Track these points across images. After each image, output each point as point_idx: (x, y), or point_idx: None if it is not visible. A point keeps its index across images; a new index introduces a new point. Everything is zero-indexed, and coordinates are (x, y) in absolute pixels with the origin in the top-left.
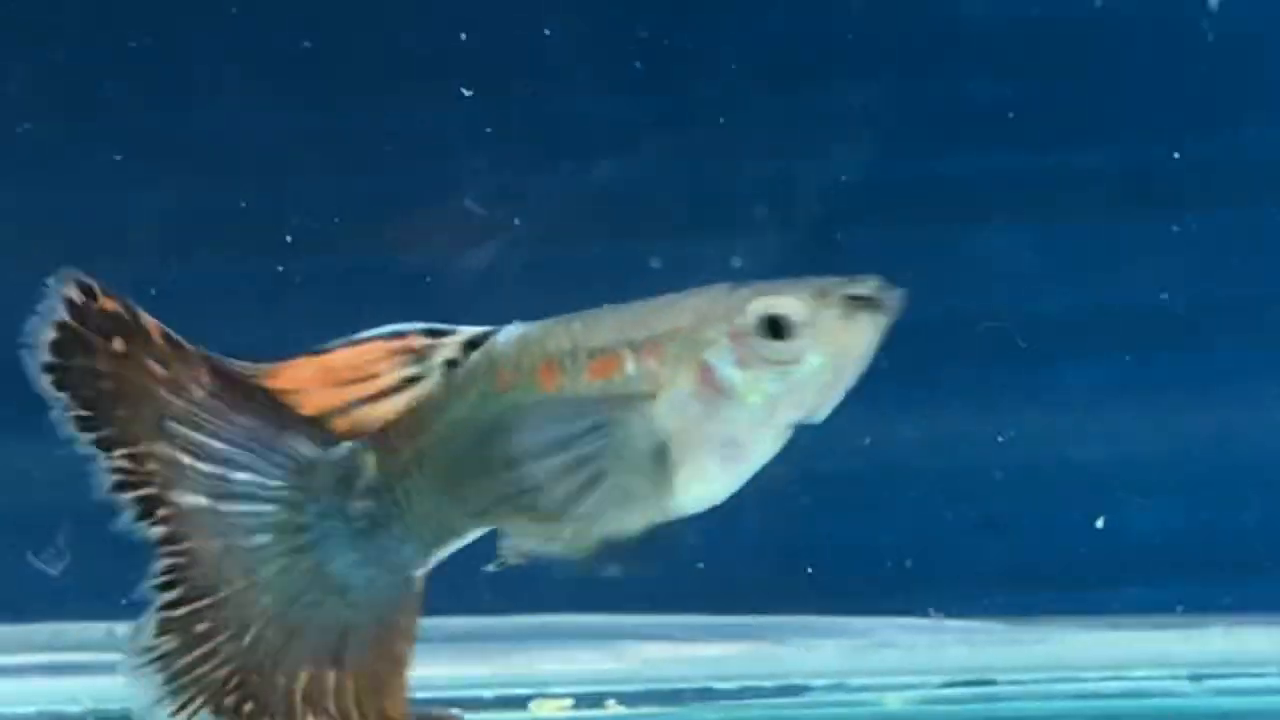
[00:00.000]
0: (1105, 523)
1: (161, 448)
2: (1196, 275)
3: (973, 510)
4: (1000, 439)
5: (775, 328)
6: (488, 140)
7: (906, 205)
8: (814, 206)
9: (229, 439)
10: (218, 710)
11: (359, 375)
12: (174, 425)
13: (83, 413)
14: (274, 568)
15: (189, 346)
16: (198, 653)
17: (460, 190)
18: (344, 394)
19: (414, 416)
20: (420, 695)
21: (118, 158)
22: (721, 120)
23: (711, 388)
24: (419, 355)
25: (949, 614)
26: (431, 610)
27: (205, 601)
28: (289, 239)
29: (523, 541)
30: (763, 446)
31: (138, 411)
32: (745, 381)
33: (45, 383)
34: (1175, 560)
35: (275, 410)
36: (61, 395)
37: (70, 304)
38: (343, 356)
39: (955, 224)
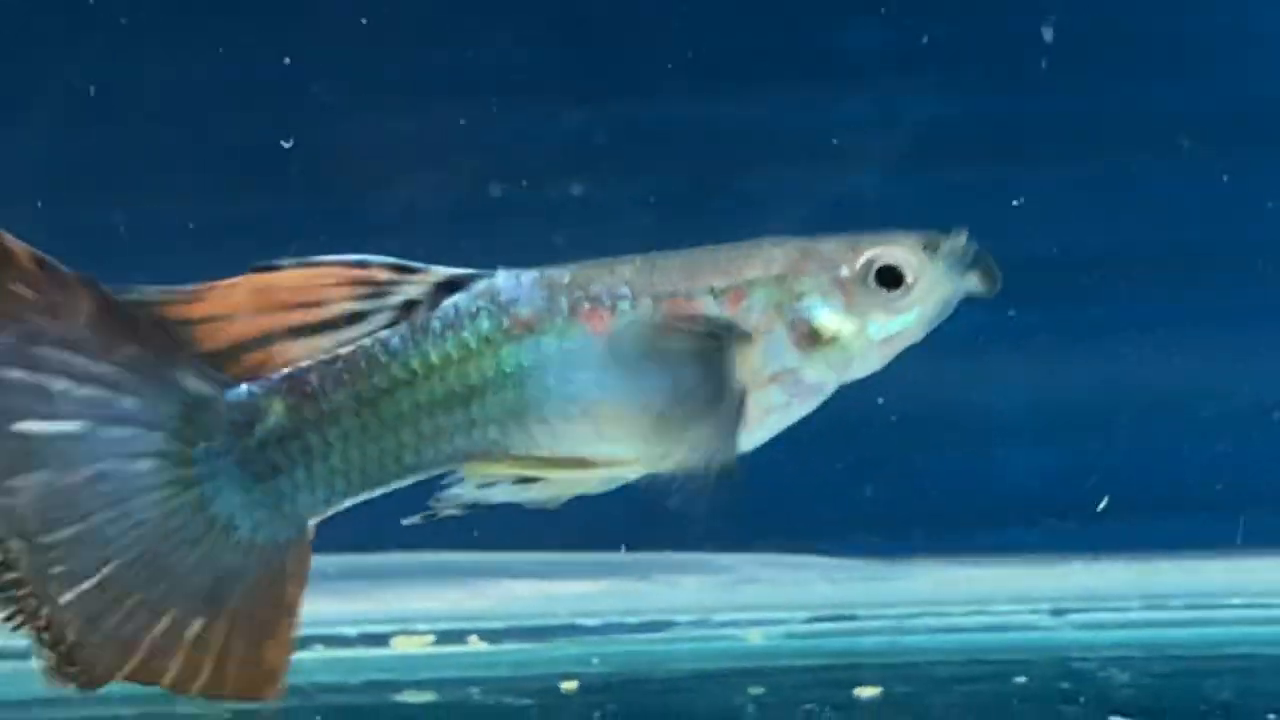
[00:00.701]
0: (974, 466)
1: (17, 375)
2: (1072, 227)
3: (847, 452)
4: (873, 381)
5: (888, 277)
6: None
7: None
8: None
9: (113, 365)
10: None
11: (301, 300)
12: (46, 350)
13: None
14: (149, 499)
15: (70, 273)
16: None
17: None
18: (276, 321)
19: (354, 360)
20: None
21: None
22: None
23: (809, 335)
24: (378, 289)
25: (817, 553)
26: None
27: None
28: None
29: (489, 491)
30: (824, 397)
31: None
32: (850, 330)
33: None
34: (1040, 502)
35: (169, 345)
36: None
37: None
38: (290, 277)
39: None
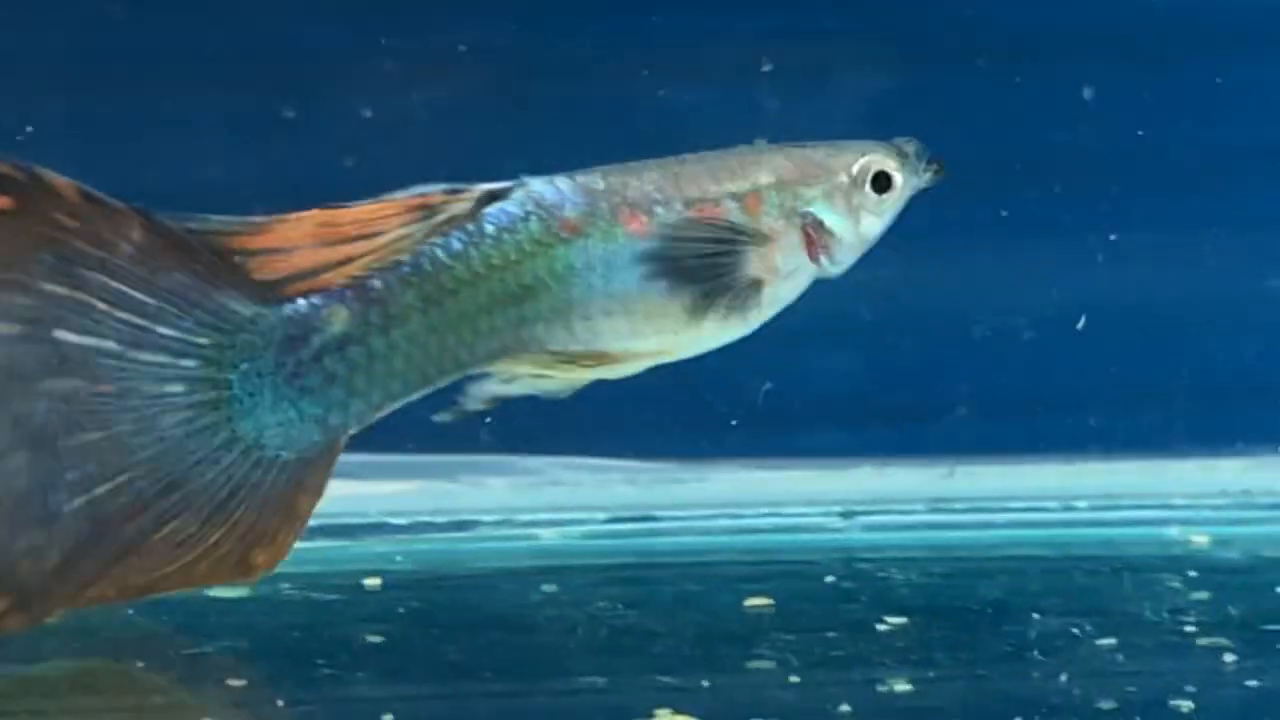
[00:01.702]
0: (773, 370)
1: (57, 289)
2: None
3: None
4: None
5: (882, 182)
6: None
7: None
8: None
9: (154, 292)
10: None
11: (362, 231)
12: (86, 272)
13: None
14: (176, 418)
15: (117, 204)
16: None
17: None
18: (334, 253)
19: (419, 263)
20: None
21: None
22: None
23: (817, 237)
24: (429, 211)
25: (618, 456)
26: None
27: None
28: None
29: (512, 385)
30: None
31: (21, 260)
32: (849, 231)
33: None
34: (833, 407)
35: (216, 269)
36: None
37: None
38: (356, 211)
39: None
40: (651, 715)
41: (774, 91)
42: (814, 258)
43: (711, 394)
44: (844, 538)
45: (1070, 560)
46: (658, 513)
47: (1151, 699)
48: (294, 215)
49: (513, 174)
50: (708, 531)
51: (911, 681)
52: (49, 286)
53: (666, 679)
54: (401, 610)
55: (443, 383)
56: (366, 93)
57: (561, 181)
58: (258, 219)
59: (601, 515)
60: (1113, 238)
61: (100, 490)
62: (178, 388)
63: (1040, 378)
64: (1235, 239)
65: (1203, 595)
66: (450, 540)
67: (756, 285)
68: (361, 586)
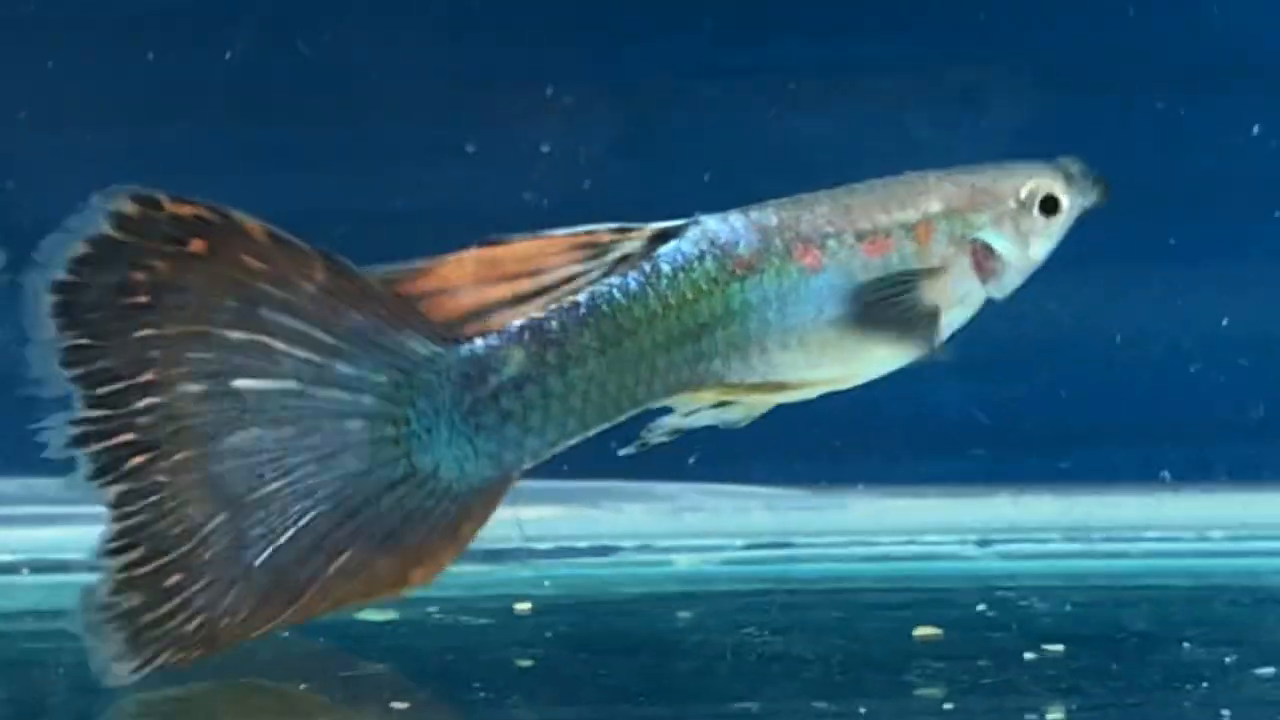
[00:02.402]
0: (907, 399)
1: (238, 335)
2: None
3: None
4: None
5: (1049, 206)
6: None
7: None
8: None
9: (334, 332)
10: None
11: (526, 269)
12: (268, 313)
13: (82, 341)
14: (355, 454)
15: (303, 245)
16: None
17: None
18: (499, 291)
19: (595, 304)
20: None
21: None
22: None
23: (987, 263)
24: (599, 249)
25: (754, 482)
26: None
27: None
28: None
29: (692, 417)
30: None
31: (194, 308)
32: (1018, 254)
33: (48, 304)
34: (968, 435)
35: (395, 309)
36: (60, 320)
37: (119, 217)
38: (518, 249)
39: None
40: None
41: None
42: (984, 282)
43: (849, 420)
44: (980, 565)
45: (1210, 590)
46: (795, 539)
47: None
48: (454, 256)
49: (640, 209)
50: (845, 559)
51: (1065, 710)
52: (231, 334)
53: (821, 704)
54: (550, 635)
55: (620, 419)
56: (491, 127)
57: (735, 218)
58: (419, 263)
59: (739, 541)
60: (1263, 268)
61: (284, 539)
62: (357, 423)
63: (1180, 406)
64: None
65: None
66: (592, 565)
67: (933, 314)
68: (510, 610)
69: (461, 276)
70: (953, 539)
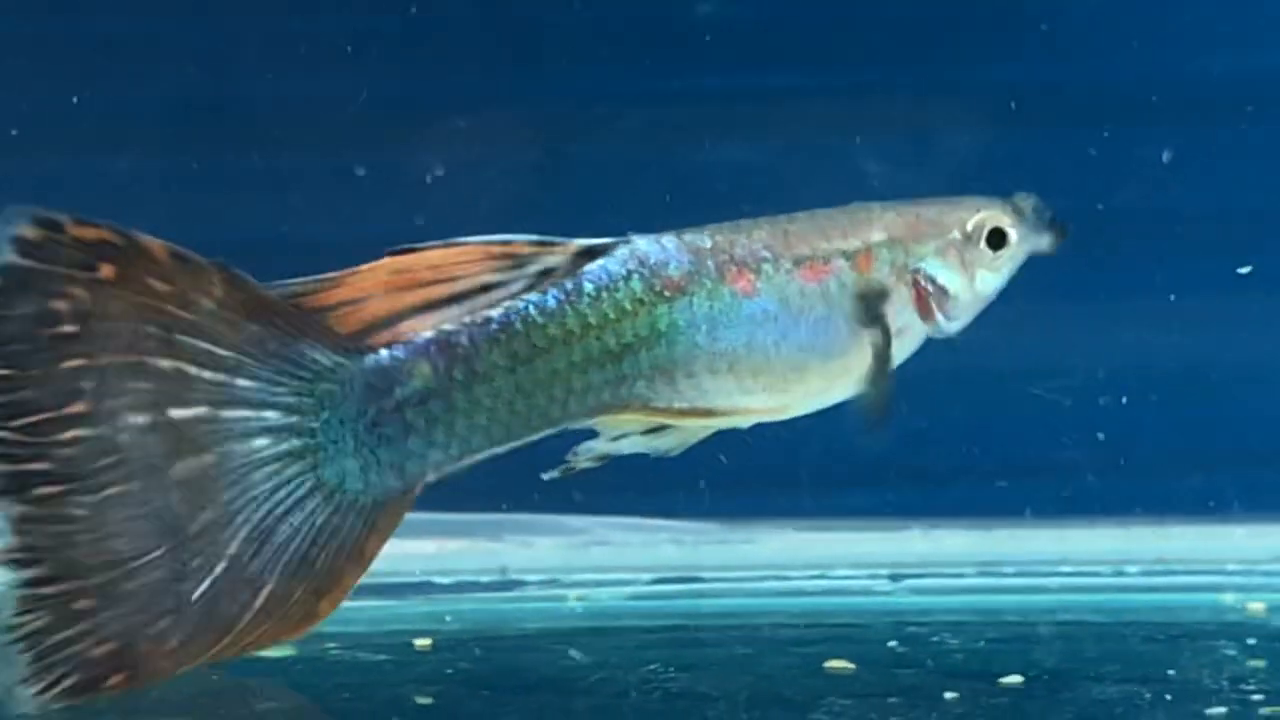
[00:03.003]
0: (818, 432)
1: (165, 364)
2: None
3: None
4: None
5: (996, 239)
6: None
7: None
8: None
9: (233, 348)
10: None
11: (439, 276)
12: (181, 337)
13: (3, 373)
14: (262, 473)
15: (200, 260)
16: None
17: None
18: (410, 298)
19: (508, 320)
20: None
21: None
22: None
23: (929, 294)
24: (517, 260)
25: (665, 516)
26: None
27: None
28: None
29: (620, 442)
30: (913, 349)
31: (119, 337)
32: (963, 287)
33: None
34: (880, 468)
35: (295, 321)
36: None
37: (23, 243)
38: (430, 256)
39: None
40: None
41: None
42: (926, 315)
43: (759, 454)
44: (892, 600)
45: (1125, 626)
46: (704, 574)
47: None
48: (366, 266)
49: (548, 231)
50: (755, 593)
51: None
52: (159, 362)
53: None
54: (450, 671)
55: (533, 438)
56: (415, 150)
57: (668, 239)
58: (329, 275)
59: (647, 576)
60: (1169, 299)
61: (218, 569)
62: (263, 440)
63: (1093, 441)
64: None
65: (1261, 664)
66: (496, 600)
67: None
68: (409, 646)
69: (373, 285)
70: (864, 574)
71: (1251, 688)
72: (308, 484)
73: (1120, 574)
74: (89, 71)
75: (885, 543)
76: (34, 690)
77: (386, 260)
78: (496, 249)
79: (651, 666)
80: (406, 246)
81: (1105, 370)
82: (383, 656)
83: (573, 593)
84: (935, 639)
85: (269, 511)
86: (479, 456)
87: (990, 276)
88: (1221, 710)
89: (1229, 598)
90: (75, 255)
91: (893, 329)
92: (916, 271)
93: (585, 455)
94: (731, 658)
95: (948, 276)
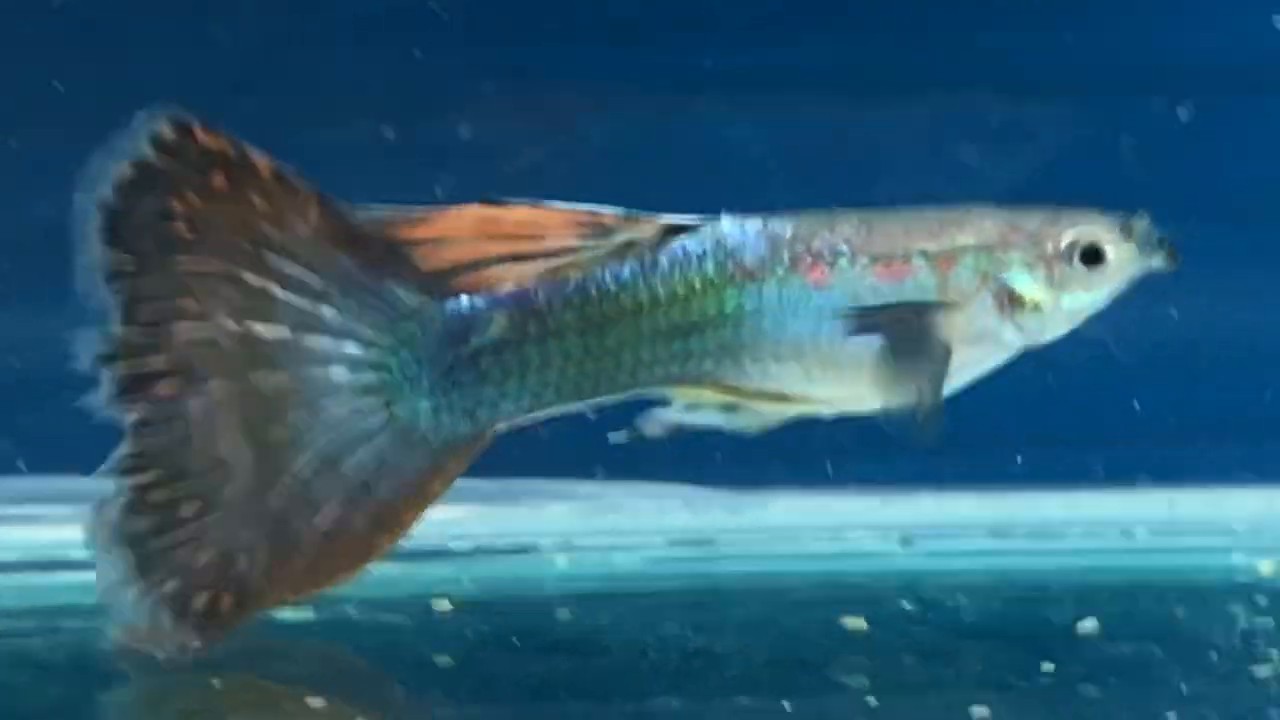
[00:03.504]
0: None
1: (251, 278)
2: None
3: None
4: None
5: (1090, 256)
6: None
7: None
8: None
9: (323, 275)
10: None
11: (526, 232)
12: (271, 256)
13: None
14: (336, 400)
15: (300, 184)
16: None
17: None
18: (497, 247)
19: (584, 286)
20: None
21: None
22: None
23: (1011, 302)
24: (604, 230)
25: (679, 482)
26: None
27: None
28: None
29: (695, 414)
30: (1012, 355)
31: (221, 246)
32: (1048, 301)
33: (95, 225)
34: (891, 436)
35: (386, 257)
36: (107, 241)
37: (159, 141)
38: (519, 212)
39: None
40: None
41: None
42: (1006, 324)
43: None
44: (904, 564)
45: (1136, 587)
46: (717, 538)
47: None
48: (455, 208)
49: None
50: (768, 557)
51: (989, 704)
52: (248, 276)
53: (743, 700)
54: (469, 633)
55: (602, 400)
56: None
57: (750, 224)
58: (420, 209)
59: (661, 540)
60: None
61: (302, 485)
62: (339, 369)
63: (1101, 409)
64: None
65: (1269, 621)
66: (513, 564)
67: (945, 349)
68: (428, 609)
69: (460, 229)
70: (876, 536)
71: (1260, 645)
72: (380, 417)
73: (1128, 536)
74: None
75: (896, 507)
76: (135, 591)
77: (476, 207)
78: (583, 215)
79: (667, 628)
80: (496, 198)
81: (1117, 340)
82: (402, 619)
83: (562, 557)
84: (948, 600)
85: (338, 437)
86: (550, 411)
87: (1082, 294)
88: (1234, 666)
89: (1239, 558)
90: (196, 160)
91: (969, 333)
92: (1000, 279)
93: (655, 422)
94: (747, 619)
95: (1032, 289)
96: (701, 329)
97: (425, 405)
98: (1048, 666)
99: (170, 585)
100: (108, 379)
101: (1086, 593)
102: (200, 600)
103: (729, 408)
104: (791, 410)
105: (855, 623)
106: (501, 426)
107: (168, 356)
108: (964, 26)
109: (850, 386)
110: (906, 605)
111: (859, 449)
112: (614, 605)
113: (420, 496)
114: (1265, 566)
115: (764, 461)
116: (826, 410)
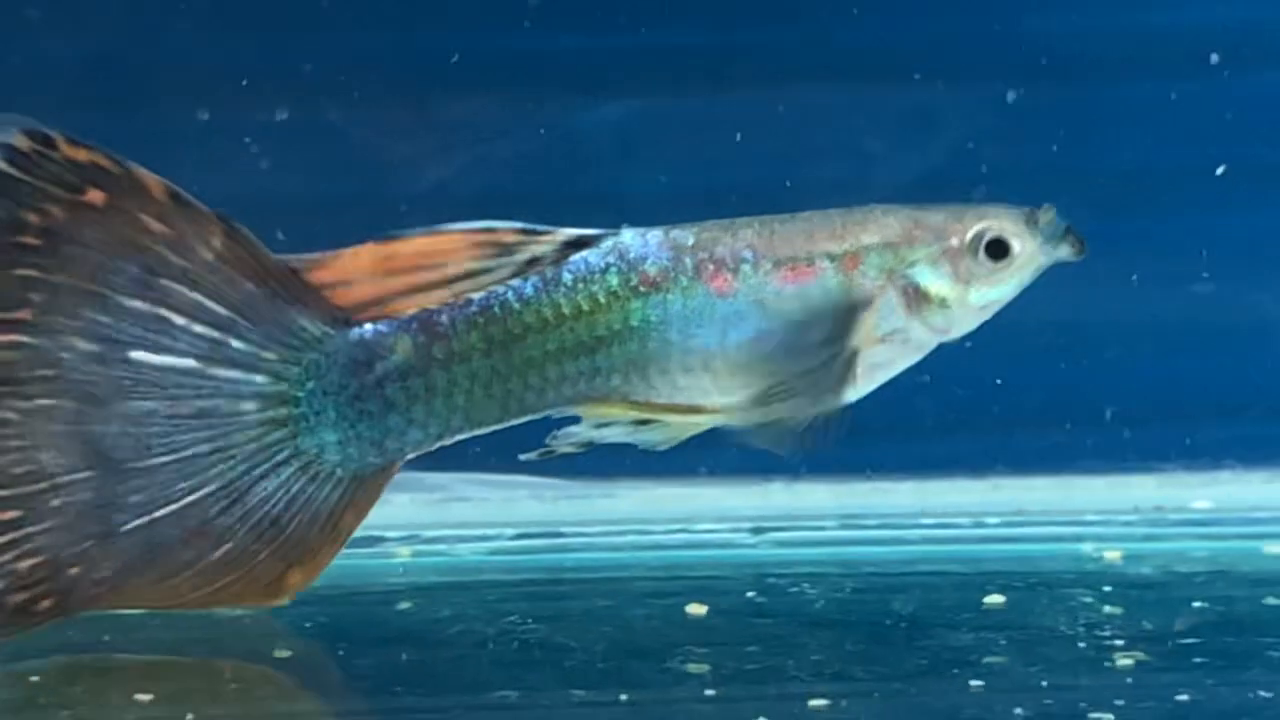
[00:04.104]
0: None
1: (138, 305)
2: None
3: None
4: None
5: (996, 249)
6: None
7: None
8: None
9: (228, 305)
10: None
11: (425, 263)
12: (168, 282)
13: None
14: (245, 436)
15: (202, 207)
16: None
17: None
18: (397, 282)
19: (488, 304)
20: None
21: None
22: None
23: (918, 300)
24: (503, 249)
25: (525, 473)
26: None
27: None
28: None
29: (605, 431)
30: (923, 354)
31: (91, 264)
32: (956, 296)
33: None
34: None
35: (288, 284)
36: None
37: (11, 151)
38: (415, 243)
39: None
40: None
41: None
42: (913, 322)
43: None
44: (755, 553)
45: (983, 575)
46: (565, 529)
47: (1069, 712)
48: (352, 249)
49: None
50: (616, 548)
51: (827, 696)
52: (130, 302)
53: (580, 693)
54: (309, 625)
55: (510, 422)
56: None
57: (652, 235)
58: (315, 255)
59: (509, 531)
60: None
61: (163, 512)
62: (250, 404)
63: (949, 396)
64: (1150, 259)
65: (1117, 610)
66: (358, 557)
67: (850, 350)
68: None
69: (359, 268)
70: (725, 526)
71: (1105, 633)
72: (286, 451)
73: (980, 525)
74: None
75: (747, 496)
76: None
77: (372, 245)
78: (481, 236)
79: (511, 619)
80: (391, 234)
81: (978, 333)
82: (240, 611)
83: (406, 549)
84: (795, 590)
85: (244, 472)
86: (458, 437)
87: (988, 288)
88: (1076, 654)
89: (1087, 547)
90: (62, 173)
91: (877, 332)
92: (905, 277)
93: (566, 439)
94: (591, 610)
95: (939, 284)
96: (608, 343)
97: (331, 437)
98: (890, 656)
99: None
100: None
101: (931, 581)
102: (30, 604)
103: (640, 422)
104: (704, 422)
105: (698, 610)
106: (409, 456)
107: None
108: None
109: (762, 394)
110: (752, 595)
111: (710, 438)
112: (456, 596)
113: (332, 532)
114: (1113, 555)
115: (612, 451)
116: (738, 422)
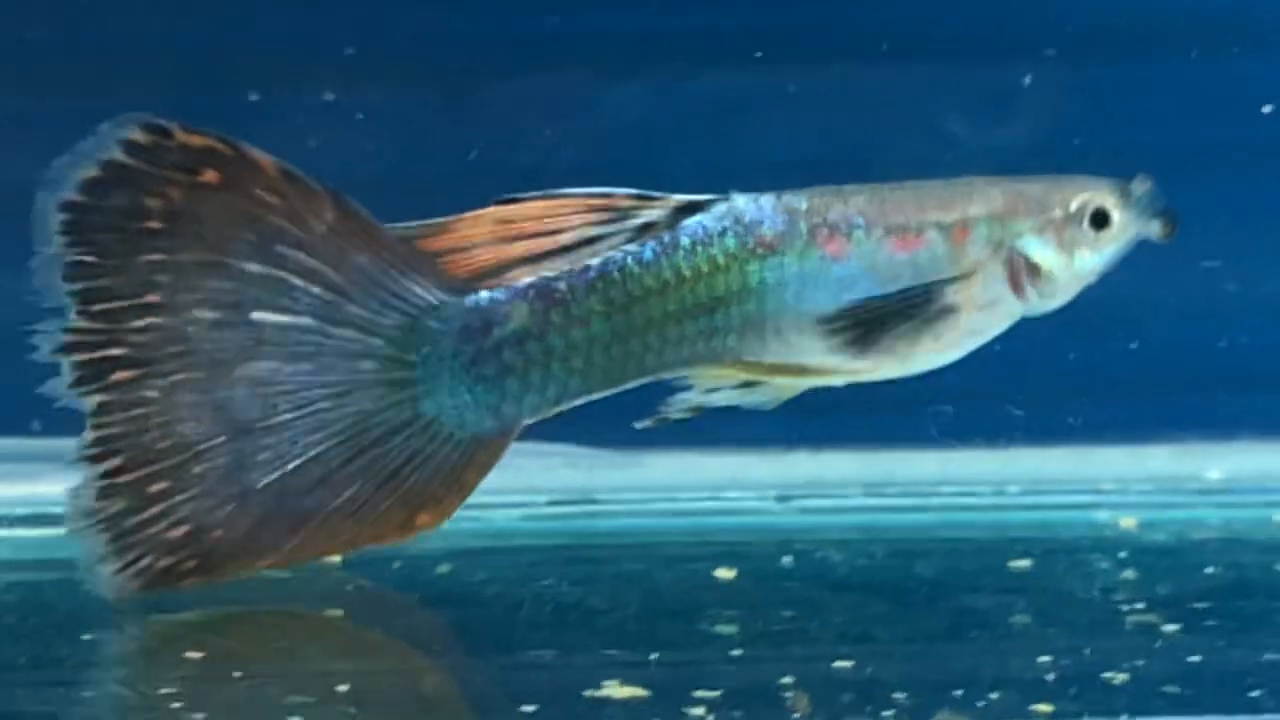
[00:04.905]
0: None
1: (256, 268)
2: None
3: None
4: None
5: (1099, 219)
6: None
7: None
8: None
9: (344, 272)
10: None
11: (540, 229)
12: (284, 249)
13: (86, 258)
14: (367, 394)
15: (313, 183)
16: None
17: None
18: (515, 249)
19: (607, 269)
20: None
21: None
22: None
23: (1023, 270)
24: (618, 214)
25: (558, 441)
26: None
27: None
28: None
29: (714, 395)
30: (1008, 325)
31: (222, 238)
32: (1060, 266)
33: (56, 222)
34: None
35: (402, 255)
36: (66, 237)
37: (130, 145)
38: (533, 208)
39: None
40: (600, 687)
41: None
42: (1018, 292)
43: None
44: (780, 520)
45: (1004, 542)
46: (598, 496)
47: (1085, 672)
48: (470, 214)
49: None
50: (647, 514)
51: (851, 657)
52: (249, 266)
53: (613, 652)
54: (351, 588)
55: (628, 386)
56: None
57: (765, 199)
58: (437, 220)
59: (543, 498)
60: None
61: (291, 466)
62: (369, 364)
63: (969, 368)
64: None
65: (1131, 575)
66: None
67: (950, 311)
68: (317, 564)
69: (478, 234)
70: (752, 494)
71: (1120, 597)
72: (406, 412)
73: (1000, 494)
74: None
75: (772, 465)
76: (112, 569)
77: (491, 209)
78: (597, 201)
79: (545, 582)
80: (510, 196)
81: None
82: (288, 574)
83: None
84: (820, 555)
85: (365, 429)
86: (574, 401)
87: (1090, 256)
88: (1092, 617)
89: (1104, 515)
90: (179, 159)
91: (978, 300)
92: (1012, 248)
93: (678, 406)
94: (622, 573)
95: (1044, 254)
96: (726, 304)
97: (449, 402)
98: (912, 619)
99: (145, 562)
100: (67, 367)
101: (953, 548)
102: (176, 568)
103: (746, 385)
104: (807, 382)
105: (726, 574)
106: (526, 421)
107: (124, 348)
108: None
109: (870, 355)
110: (779, 560)
111: (737, 411)
112: (493, 560)
113: (456, 486)
114: (1127, 522)
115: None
116: (840, 380)
